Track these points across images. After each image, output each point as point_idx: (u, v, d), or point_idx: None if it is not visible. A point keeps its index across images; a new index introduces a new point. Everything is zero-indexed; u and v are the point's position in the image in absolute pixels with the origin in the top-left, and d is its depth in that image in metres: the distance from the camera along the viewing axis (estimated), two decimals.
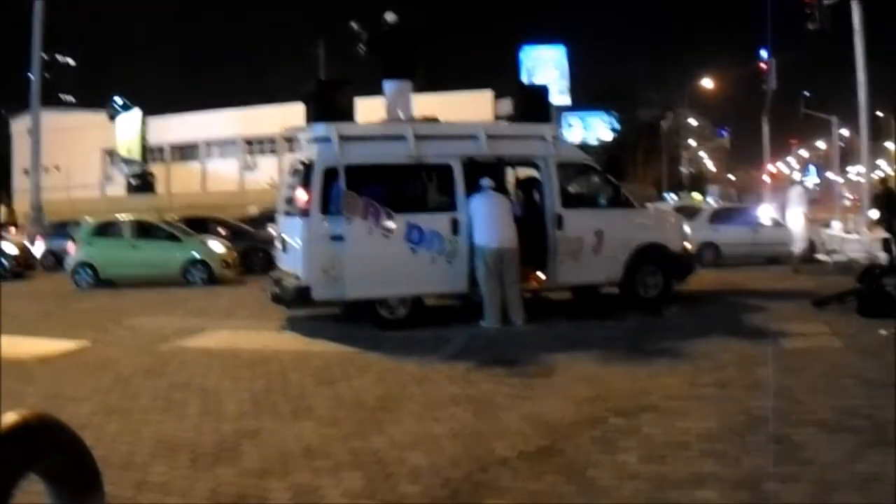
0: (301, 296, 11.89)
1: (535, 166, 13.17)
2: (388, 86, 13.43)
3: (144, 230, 21.51)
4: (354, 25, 13.13)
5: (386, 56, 13.38)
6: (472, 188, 12.31)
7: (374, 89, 13.82)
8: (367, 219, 11.80)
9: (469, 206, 12.16)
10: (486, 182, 12.34)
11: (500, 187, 13.24)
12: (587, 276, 13.26)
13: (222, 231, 24.82)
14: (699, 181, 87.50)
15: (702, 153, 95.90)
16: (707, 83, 60.31)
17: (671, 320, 12.64)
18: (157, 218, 23.83)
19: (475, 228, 12.07)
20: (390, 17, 13.40)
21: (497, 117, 14.38)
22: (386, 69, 13.39)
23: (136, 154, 65.63)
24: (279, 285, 12.68)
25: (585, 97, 73.55)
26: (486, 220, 12.04)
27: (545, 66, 70.49)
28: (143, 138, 65.22)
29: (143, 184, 61.71)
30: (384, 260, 11.90)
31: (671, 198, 62.39)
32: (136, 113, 65.88)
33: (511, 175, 14.94)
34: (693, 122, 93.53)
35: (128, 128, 66.72)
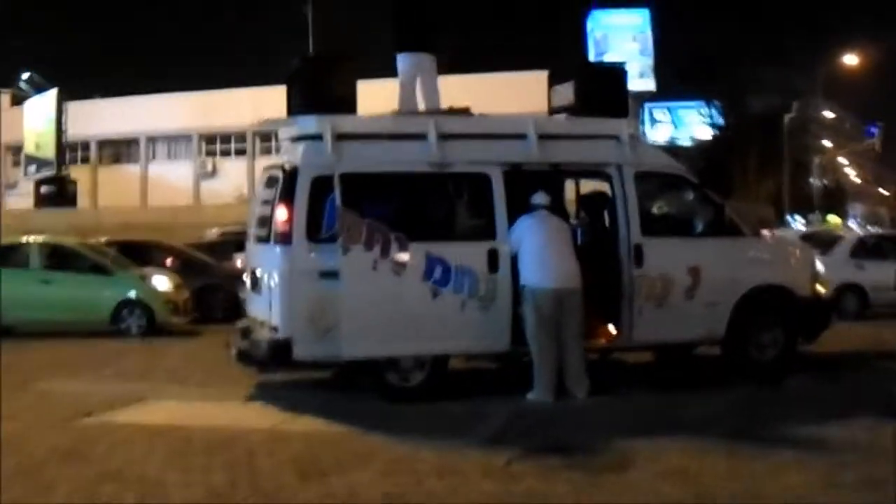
0: (278, 354, 11.96)
1: (606, 177, 13.22)
2: (405, 62, 13.52)
3: (60, 258, 21.64)
4: None
5: (402, 18, 13.51)
6: (519, 207, 12.38)
7: (385, 69, 13.94)
8: (371, 248, 11.87)
9: (514, 232, 12.22)
10: (538, 199, 12.41)
11: (557, 206, 13.30)
12: (677, 330, 13.26)
13: (169, 261, 24.97)
14: (837, 198, 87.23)
15: (841, 159, 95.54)
16: (850, 61, 60.15)
17: (796, 393, 12.60)
18: (78, 241, 23.99)
19: (523, 263, 12.10)
20: None
21: (553, 109, 14.45)
22: (401, 37, 13.50)
23: (48, 152, 65.80)
24: (248, 339, 12.76)
25: (676, 81, 73.48)
26: (539, 251, 12.07)
27: (621, 37, 70.48)
28: (60, 130, 65.52)
29: (58, 193, 61.76)
30: (395, 305, 11.96)
31: (797, 222, 62.11)
32: (52, 95, 66.24)
33: (572, 189, 15.02)
34: (829, 115, 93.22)
35: (39, 115, 67.08)
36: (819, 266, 14.93)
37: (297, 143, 12.66)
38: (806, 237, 26.24)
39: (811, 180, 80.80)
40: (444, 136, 12.47)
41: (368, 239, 11.85)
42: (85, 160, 73.23)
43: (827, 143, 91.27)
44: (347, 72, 12.97)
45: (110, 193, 67.67)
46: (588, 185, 14.72)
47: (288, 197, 12.04)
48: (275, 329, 12.07)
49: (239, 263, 21.50)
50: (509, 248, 12.21)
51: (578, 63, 27.59)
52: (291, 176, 12.16)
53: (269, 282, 12.33)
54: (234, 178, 64.78)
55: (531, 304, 12.02)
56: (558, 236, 12.32)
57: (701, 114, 74.81)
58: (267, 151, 60.35)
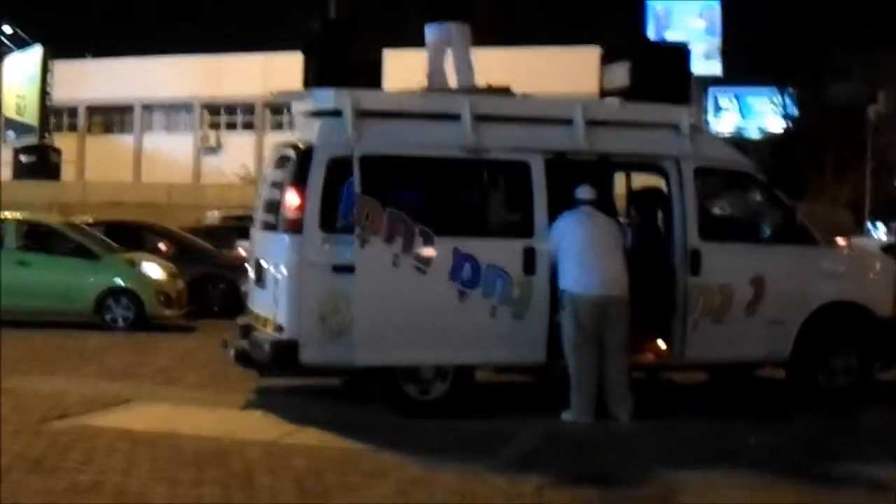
0: (282, 356, 11.99)
1: (662, 172, 13.22)
2: (432, 32, 13.52)
3: (40, 238, 21.77)
4: None
5: None
6: (562, 201, 12.37)
7: (415, 37, 13.93)
8: (392, 241, 11.89)
9: (554, 231, 12.22)
10: (583, 193, 12.37)
11: (605, 202, 13.28)
12: (735, 349, 13.25)
13: (163, 246, 25.10)
14: None
15: None
16: None
17: (871, 426, 12.56)
18: (60, 220, 24.10)
19: (562, 266, 12.09)
20: None
21: (605, 92, 14.44)
22: (429, 4, 13.51)
23: (31, 116, 66.21)
24: (249, 338, 12.81)
25: (746, 64, 73.15)
26: (580, 253, 12.04)
27: (685, 13, 70.41)
28: (45, 92, 65.87)
29: (40, 163, 62.09)
30: (416, 307, 11.99)
31: (878, 229, 61.83)
32: (36, 52, 66.57)
33: (621, 184, 15.00)
34: None
35: (20, 75, 67.41)
36: None
37: (313, 118, 12.69)
38: (888, 248, 26.17)
39: None
40: (479, 118, 12.47)
41: (389, 231, 11.85)
42: (72, 128, 73.61)
43: None
44: (373, 39, 13.04)
45: (99, 166, 67.97)
46: (641, 180, 14.67)
47: (300, 180, 12.05)
48: (280, 328, 12.10)
49: (242, 252, 21.63)
50: (549, 247, 12.20)
51: (635, 41, 27.46)
52: (305, 156, 12.17)
53: (275, 275, 12.36)
54: (239, 154, 64.90)
55: (570, 312, 12.00)
56: (604, 237, 12.28)
57: (773, 102, 74.46)
58: (278, 126, 60.55)
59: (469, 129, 12.38)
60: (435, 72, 13.44)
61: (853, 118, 70.52)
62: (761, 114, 76.20)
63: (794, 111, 73.41)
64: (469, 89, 13.25)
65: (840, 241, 17.72)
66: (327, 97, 12.43)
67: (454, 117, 12.45)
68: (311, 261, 11.93)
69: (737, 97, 78.26)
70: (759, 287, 13.13)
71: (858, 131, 70.14)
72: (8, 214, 22.43)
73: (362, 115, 12.16)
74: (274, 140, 16.11)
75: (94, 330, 20.02)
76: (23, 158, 62.60)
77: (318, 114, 12.61)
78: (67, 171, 65.02)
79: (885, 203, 73.66)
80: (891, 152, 76.42)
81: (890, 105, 74.53)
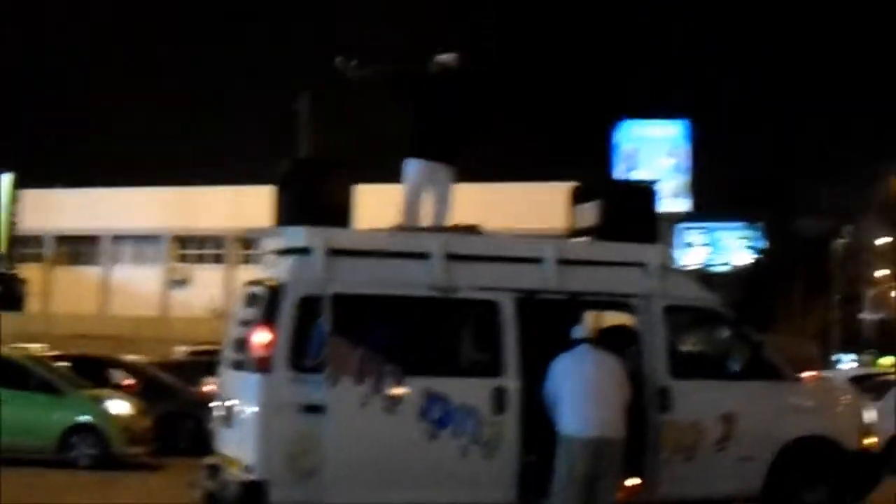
0: (251, 497, 11.87)
1: (631, 310, 13.32)
2: (417, 169, 13.58)
3: (2, 372, 21.41)
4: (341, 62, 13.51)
5: (425, 124, 13.67)
6: (532, 341, 12.42)
7: (384, 173, 14.04)
8: (362, 381, 11.91)
9: (552, 373, 12.18)
10: (578, 332, 12.44)
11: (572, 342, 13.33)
12: (707, 485, 13.26)
13: (129, 382, 24.96)
14: (892, 336, 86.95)
15: None
16: None
17: None
18: (23, 354, 23.96)
19: (564, 407, 12.03)
20: (447, 57, 13.66)
21: (575, 230, 14.57)
22: (419, 144, 13.62)
23: None
24: (216, 478, 12.70)
25: (714, 200, 73.85)
26: (577, 394, 12.00)
27: (654, 151, 70.96)
28: (11, 221, 65.85)
29: (4, 294, 61.96)
30: (387, 447, 11.98)
31: (845, 362, 62.07)
32: (5, 180, 66.66)
33: (591, 321, 15.06)
34: (884, 241, 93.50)
35: None
36: (870, 414, 14.93)
37: (284, 256, 12.75)
38: (855, 380, 26.22)
39: (862, 314, 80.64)
40: (450, 257, 12.58)
41: (359, 370, 11.90)
42: (38, 258, 73.37)
43: (882, 273, 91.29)
44: (343, 178, 13.09)
45: (65, 298, 67.75)
46: (610, 318, 14.74)
47: (270, 318, 12.07)
48: (249, 469, 12.02)
49: (210, 389, 21.54)
50: (524, 386, 12.22)
51: (603, 181, 27.90)
52: (275, 294, 12.20)
53: (244, 414, 12.33)
54: (208, 287, 64.78)
55: (564, 455, 11.97)
56: (599, 376, 12.22)
57: (741, 237, 75.17)
58: (247, 260, 60.56)
59: (439, 268, 12.48)
60: (410, 208, 13.50)
61: (819, 251, 71.29)
62: (729, 248, 76.83)
63: (762, 244, 74.09)
64: (438, 228, 13.33)
65: (807, 374, 17.77)
66: (298, 235, 12.50)
67: (425, 256, 12.55)
68: (280, 400, 11.89)
69: (705, 232, 78.92)
70: (729, 423, 13.21)
71: (824, 264, 70.83)
72: None
73: (333, 253, 12.25)
74: (243, 274, 16.17)
75: (58, 468, 19.80)
76: None
77: (288, 251, 12.66)
78: (32, 302, 64.75)
79: (852, 334, 74.12)
80: (855, 285, 77.18)
81: (854, 239, 75.34)
